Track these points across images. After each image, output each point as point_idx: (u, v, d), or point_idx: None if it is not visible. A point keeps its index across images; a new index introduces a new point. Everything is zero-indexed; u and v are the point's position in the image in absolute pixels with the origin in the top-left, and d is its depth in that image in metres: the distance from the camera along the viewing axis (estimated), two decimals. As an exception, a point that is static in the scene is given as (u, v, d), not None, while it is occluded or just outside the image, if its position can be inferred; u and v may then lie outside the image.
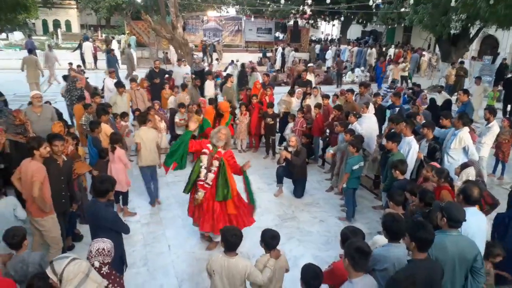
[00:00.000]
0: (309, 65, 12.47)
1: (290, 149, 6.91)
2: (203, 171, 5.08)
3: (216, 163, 5.03)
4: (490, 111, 7.31)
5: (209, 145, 5.13)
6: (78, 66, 12.15)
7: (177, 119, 8.58)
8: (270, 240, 3.62)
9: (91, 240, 3.85)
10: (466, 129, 6.13)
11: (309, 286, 3.11)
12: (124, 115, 7.79)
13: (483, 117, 7.55)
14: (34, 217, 4.42)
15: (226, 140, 5.13)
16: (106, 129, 6.72)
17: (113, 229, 3.83)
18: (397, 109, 8.64)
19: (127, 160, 6.08)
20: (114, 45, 20.64)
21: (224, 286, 3.45)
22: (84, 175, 5.81)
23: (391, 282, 2.98)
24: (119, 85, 8.89)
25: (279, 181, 7.25)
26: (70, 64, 12.60)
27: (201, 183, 5.05)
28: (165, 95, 10.14)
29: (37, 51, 18.86)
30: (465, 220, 3.34)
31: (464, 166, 4.92)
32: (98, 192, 3.85)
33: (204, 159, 5.10)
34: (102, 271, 3.04)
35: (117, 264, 3.68)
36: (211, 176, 5.01)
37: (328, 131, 8.20)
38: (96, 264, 3.03)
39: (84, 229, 5.68)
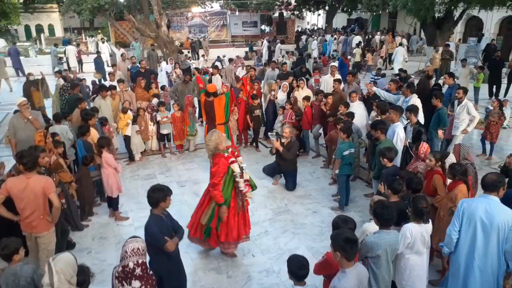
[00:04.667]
0: (331, 65, 11.75)
1: (283, 139, 6.90)
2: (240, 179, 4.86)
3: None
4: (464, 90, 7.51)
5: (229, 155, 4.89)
6: (58, 72, 11.78)
7: (159, 117, 8.52)
8: (298, 270, 3.02)
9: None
10: (415, 96, 6.90)
11: (296, 276, 3.02)
12: (102, 119, 7.65)
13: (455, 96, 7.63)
14: (40, 232, 4.35)
15: (215, 146, 4.78)
16: (93, 135, 6.65)
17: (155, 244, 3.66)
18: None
19: (116, 164, 6.02)
20: (104, 47, 20.27)
21: None
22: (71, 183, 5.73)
23: None
24: (102, 88, 8.70)
25: (272, 175, 7.30)
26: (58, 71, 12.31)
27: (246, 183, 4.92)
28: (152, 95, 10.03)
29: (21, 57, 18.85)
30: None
31: (444, 156, 4.92)
32: (150, 203, 3.72)
33: (235, 167, 4.84)
34: (135, 273, 3.02)
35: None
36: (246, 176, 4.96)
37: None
38: (131, 265, 3.01)
39: (76, 236, 5.66)
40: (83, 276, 3.06)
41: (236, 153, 5.07)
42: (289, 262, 3.08)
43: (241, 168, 4.89)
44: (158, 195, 3.65)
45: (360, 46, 19.51)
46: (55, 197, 4.23)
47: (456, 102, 7.57)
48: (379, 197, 4.19)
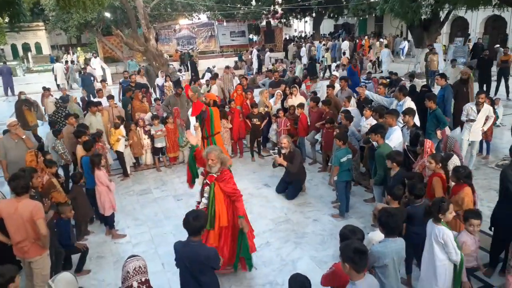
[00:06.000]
0: (333, 73, 11.64)
1: (283, 151, 6.81)
2: (198, 194, 4.79)
3: (207, 189, 4.56)
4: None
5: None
6: (46, 89, 11.59)
7: (153, 131, 8.43)
8: None
9: None
10: (409, 99, 7.06)
11: None
12: (96, 135, 7.53)
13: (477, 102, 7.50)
14: (32, 257, 4.21)
15: (219, 162, 4.48)
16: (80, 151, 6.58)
17: (213, 267, 3.57)
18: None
19: (108, 182, 5.87)
20: (96, 63, 19.94)
21: None
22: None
23: None
24: (90, 104, 8.61)
25: (284, 191, 7.19)
26: (45, 88, 12.14)
27: (197, 204, 4.75)
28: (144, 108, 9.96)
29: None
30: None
31: (447, 157, 4.88)
32: (192, 231, 3.43)
33: (200, 180, 4.75)
34: None
35: None
36: (204, 201, 4.61)
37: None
38: (135, 284, 2.89)
39: (72, 256, 5.49)
40: None
41: None
42: (290, 283, 3.01)
43: None
44: (201, 223, 3.44)
45: (342, 52, 20.43)
46: (42, 224, 4.05)
47: (474, 107, 7.21)
48: (382, 205, 4.12)
